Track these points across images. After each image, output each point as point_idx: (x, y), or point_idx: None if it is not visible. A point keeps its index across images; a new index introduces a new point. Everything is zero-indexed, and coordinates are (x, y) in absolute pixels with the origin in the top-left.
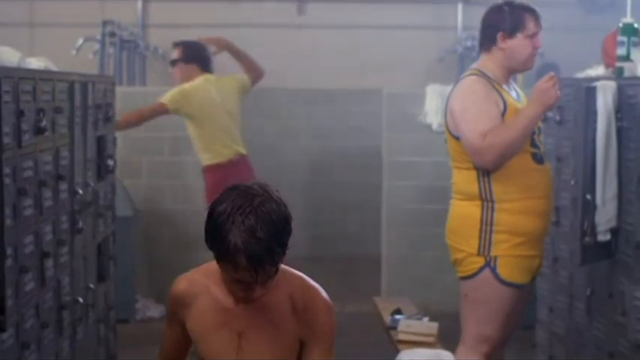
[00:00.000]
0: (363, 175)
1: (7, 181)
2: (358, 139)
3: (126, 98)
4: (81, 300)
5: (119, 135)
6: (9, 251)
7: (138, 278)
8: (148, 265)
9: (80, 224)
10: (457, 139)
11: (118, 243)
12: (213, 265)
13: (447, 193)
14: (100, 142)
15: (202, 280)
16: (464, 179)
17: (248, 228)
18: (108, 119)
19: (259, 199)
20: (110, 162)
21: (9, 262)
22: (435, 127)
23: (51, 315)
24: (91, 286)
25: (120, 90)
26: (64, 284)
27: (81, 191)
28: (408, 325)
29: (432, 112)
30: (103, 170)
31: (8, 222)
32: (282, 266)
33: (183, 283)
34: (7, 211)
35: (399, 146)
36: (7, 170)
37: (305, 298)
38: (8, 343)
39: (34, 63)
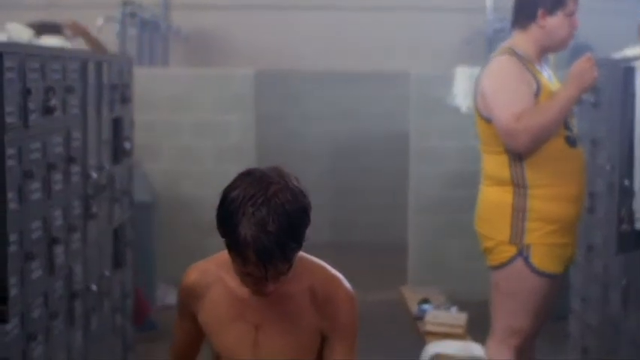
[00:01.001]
0: (389, 161)
1: (11, 162)
2: (384, 124)
3: (148, 80)
4: (95, 288)
5: (138, 118)
6: (13, 237)
7: (158, 264)
8: (168, 251)
9: (94, 209)
10: (488, 121)
11: (136, 229)
12: (226, 254)
13: (475, 178)
14: (116, 124)
15: (215, 270)
16: (494, 164)
17: (259, 221)
18: (125, 100)
19: (274, 187)
20: (127, 145)
21: (13, 248)
22: (463, 109)
23: (61, 304)
24: (106, 273)
25: (141, 72)
26: (76, 272)
27: (95, 174)
28: (436, 316)
29: (460, 95)
30: (119, 153)
31: (13, 206)
32: (303, 255)
33: (194, 273)
34: (12, 194)
35: (426, 130)
36: (11, 151)
37: (326, 289)
38: (12, 335)
39: (49, 41)
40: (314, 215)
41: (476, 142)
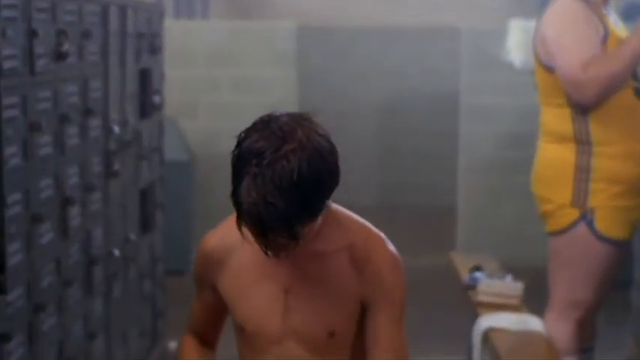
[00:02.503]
0: (439, 119)
1: (13, 112)
2: (433, 81)
3: (185, 33)
4: (117, 253)
5: (175, 73)
6: (15, 197)
7: (193, 227)
8: (205, 213)
9: (116, 167)
10: (549, 70)
11: (171, 190)
12: None
13: (531, 138)
14: (144, 75)
15: (237, 232)
16: (555, 118)
17: (259, 187)
18: (154, 51)
19: (289, 146)
20: (156, 98)
21: (15, 209)
22: (518, 65)
23: (77, 271)
24: (132, 237)
25: (179, 24)
26: (96, 236)
27: (117, 129)
28: (489, 285)
29: (515, 49)
30: (147, 107)
31: (15, 162)
32: (341, 210)
33: (213, 238)
34: (14, 148)
35: (478, 88)
36: (13, 99)
37: (367, 249)
38: (15, 306)
39: None
40: (360, 177)
41: (532, 99)
